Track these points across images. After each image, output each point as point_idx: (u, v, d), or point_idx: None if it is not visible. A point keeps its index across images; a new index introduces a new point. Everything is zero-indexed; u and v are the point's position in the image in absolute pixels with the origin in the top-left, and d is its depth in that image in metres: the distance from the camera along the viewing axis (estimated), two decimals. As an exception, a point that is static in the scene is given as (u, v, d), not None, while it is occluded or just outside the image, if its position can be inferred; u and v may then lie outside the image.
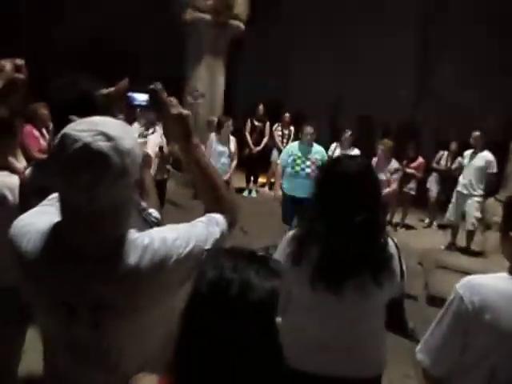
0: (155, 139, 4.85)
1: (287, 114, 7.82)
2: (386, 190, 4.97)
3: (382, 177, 4.99)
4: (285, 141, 7.48)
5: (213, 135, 5.23)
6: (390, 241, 1.64)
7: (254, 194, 7.52)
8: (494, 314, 1.35)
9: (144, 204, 1.50)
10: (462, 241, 6.21)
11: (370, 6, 8.80)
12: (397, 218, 7.08)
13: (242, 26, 7.25)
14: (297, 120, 7.91)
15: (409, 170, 6.70)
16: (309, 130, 5.02)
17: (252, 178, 7.65)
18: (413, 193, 6.91)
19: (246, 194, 7.56)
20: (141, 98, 1.38)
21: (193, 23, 6.95)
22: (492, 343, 1.37)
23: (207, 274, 0.80)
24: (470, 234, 6.05)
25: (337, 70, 9.21)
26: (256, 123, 7.54)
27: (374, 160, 5.16)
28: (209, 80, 7.28)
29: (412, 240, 6.53)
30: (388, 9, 8.84)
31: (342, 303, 1.55)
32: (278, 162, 5.17)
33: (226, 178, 5.29)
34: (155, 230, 1.16)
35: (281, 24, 9.51)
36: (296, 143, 5.16)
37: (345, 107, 9.32)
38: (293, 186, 5.04)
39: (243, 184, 7.67)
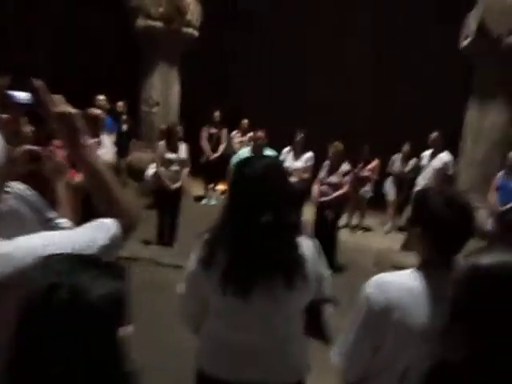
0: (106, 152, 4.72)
1: (245, 121, 7.80)
2: (338, 192, 4.99)
3: (334, 179, 5.01)
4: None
5: (162, 143, 5.14)
6: (308, 242, 1.59)
7: (213, 202, 7.43)
8: (402, 313, 1.32)
9: (53, 214, 1.41)
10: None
11: None
12: (355, 221, 7.16)
13: (195, 32, 7.20)
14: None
15: (364, 173, 6.79)
16: (259, 134, 5.00)
17: (212, 186, 7.57)
18: (368, 195, 6.99)
19: (205, 201, 7.46)
20: (22, 96, 1.30)
21: (145, 31, 6.85)
22: (401, 342, 1.34)
23: (37, 280, 0.73)
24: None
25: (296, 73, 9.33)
26: (212, 130, 7.48)
27: (327, 163, 5.18)
28: (163, 88, 7.18)
29: (370, 242, 6.62)
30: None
31: (251, 308, 1.49)
32: (231, 167, 5.11)
33: (177, 185, 5.20)
34: (24, 237, 1.07)
35: (236, 29, 9.56)
36: (247, 149, 5.13)
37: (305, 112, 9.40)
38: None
39: (202, 192, 7.59)
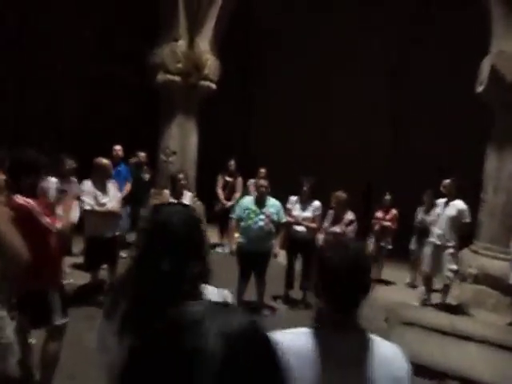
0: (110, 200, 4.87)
1: (263, 170, 7.84)
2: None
3: (337, 229, 4.87)
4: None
5: (166, 191, 5.23)
6: (217, 292, 1.52)
7: (227, 250, 7.37)
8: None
9: None
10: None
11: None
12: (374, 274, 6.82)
13: (212, 85, 7.48)
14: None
15: (385, 223, 6.56)
16: (262, 182, 5.00)
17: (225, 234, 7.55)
18: (389, 247, 6.71)
19: (219, 249, 7.42)
20: None
21: (164, 85, 7.20)
22: None
23: None
24: (446, 288, 5.76)
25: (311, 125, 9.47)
26: (228, 178, 7.56)
27: (331, 212, 5.06)
28: (180, 138, 7.42)
29: (388, 296, 6.26)
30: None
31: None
32: (233, 216, 5.10)
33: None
34: None
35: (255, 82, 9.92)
36: (250, 197, 5.12)
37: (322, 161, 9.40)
38: (247, 240, 4.94)
39: (217, 240, 7.58)
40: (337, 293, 1.25)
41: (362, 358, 1.22)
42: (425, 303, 5.85)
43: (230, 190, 7.45)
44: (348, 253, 1.26)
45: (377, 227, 6.57)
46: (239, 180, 7.53)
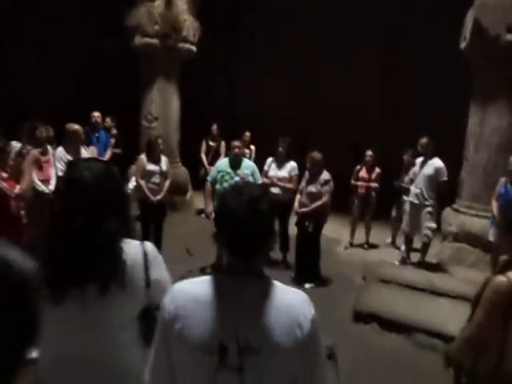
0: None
1: (247, 134, 7.77)
2: (317, 203, 4.82)
3: (313, 189, 4.85)
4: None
5: (143, 155, 5.20)
6: (137, 247, 1.52)
7: (213, 215, 7.41)
8: (184, 323, 1.21)
9: None
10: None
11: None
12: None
13: (192, 48, 7.30)
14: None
15: (372, 184, 6.50)
16: (235, 143, 4.96)
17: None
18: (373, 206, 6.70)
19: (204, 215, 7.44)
20: None
21: (142, 48, 7.03)
22: (183, 360, 1.22)
23: None
24: (425, 246, 5.80)
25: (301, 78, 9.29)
26: (211, 143, 7.51)
27: (307, 172, 5.03)
28: (162, 103, 7.31)
29: (367, 255, 6.30)
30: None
31: (66, 314, 1.43)
32: (208, 178, 5.08)
33: (159, 197, 5.21)
34: None
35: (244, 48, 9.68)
36: (226, 159, 5.08)
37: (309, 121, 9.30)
38: (222, 203, 4.93)
39: (202, 205, 7.58)
40: (233, 237, 1.24)
41: (261, 304, 1.22)
42: (404, 262, 5.91)
43: (213, 154, 7.40)
44: (243, 197, 1.24)
45: (361, 189, 6.51)
46: (222, 144, 7.46)
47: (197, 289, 1.25)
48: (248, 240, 1.22)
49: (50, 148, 5.48)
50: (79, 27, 8.57)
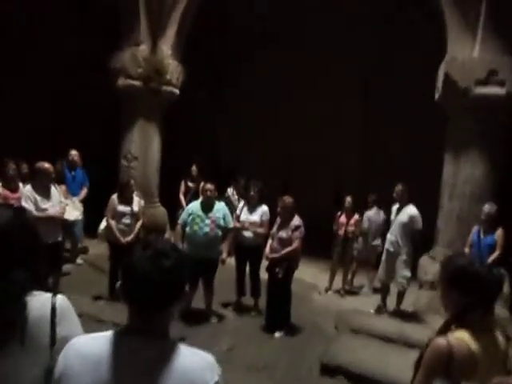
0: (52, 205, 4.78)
1: (194, 168, 7.72)
2: (287, 249, 4.75)
3: (284, 235, 4.79)
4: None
5: (114, 196, 5.15)
6: (46, 302, 1.43)
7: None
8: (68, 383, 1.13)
9: None
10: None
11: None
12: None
13: (175, 91, 7.43)
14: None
15: (350, 229, 6.47)
16: (208, 186, 4.93)
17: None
18: (355, 253, 6.64)
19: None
20: None
21: (125, 89, 7.13)
22: None
23: None
24: (400, 295, 5.70)
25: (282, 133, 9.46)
26: (190, 184, 7.50)
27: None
28: (142, 143, 7.33)
29: (342, 303, 6.15)
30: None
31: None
32: (179, 221, 5.02)
33: (129, 238, 5.11)
34: None
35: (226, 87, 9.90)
36: (198, 202, 5.04)
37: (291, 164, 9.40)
38: (191, 246, 4.85)
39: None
40: (132, 293, 1.18)
41: (158, 367, 1.14)
42: (380, 310, 5.78)
43: (192, 195, 7.36)
44: (146, 251, 1.18)
45: (341, 234, 6.49)
46: (201, 185, 7.43)
47: (90, 346, 1.17)
48: (147, 297, 1.16)
49: (21, 186, 5.42)
50: (59, 64, 8.70)
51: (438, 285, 1.81)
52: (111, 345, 1.16)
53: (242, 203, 5.47)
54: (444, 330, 1.69)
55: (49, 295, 1.46)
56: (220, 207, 4.94)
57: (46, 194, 4.77)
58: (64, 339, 1.42)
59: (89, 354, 1.15)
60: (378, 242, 6.52)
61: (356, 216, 6.55)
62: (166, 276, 1.16)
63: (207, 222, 4.81)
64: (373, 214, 6.62)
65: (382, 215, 6.57)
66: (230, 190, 7.57)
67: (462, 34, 5.65)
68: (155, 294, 1.16)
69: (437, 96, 6.03)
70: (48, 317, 1.40)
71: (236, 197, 7.45)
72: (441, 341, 1.61)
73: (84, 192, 6.44)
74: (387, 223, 6.18)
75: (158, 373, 1.13)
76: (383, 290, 5.90)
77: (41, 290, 1.48)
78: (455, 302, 1.70)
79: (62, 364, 1.16)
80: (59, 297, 1.48)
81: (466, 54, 5.59)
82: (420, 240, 5.68)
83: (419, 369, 1.73)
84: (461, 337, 1.60)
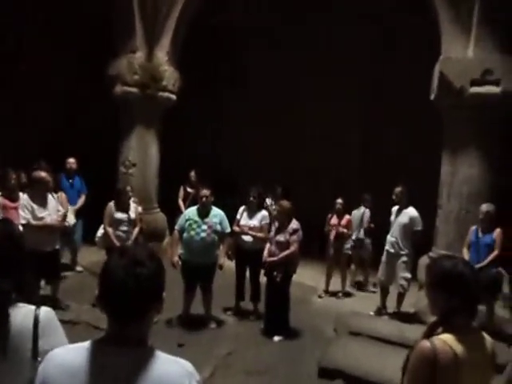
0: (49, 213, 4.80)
1: (192, 173, 7.71)
2: (285, 253, 4.74)
3: (281, 238, 4.79)
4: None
5: (111, 203, 5.16)
6: (29, 314, 1.44)
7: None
8: None
9: None
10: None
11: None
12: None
13: (172, 96, 7.45)
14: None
15: (341, 229, 6.46)
16: (204, 192, 4.94)
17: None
18: (349, 252, 6.62)
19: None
20: None
21: (122, 97, 7.17)
22: None
23: None
24: (400, 297, 5.68)
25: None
26: (189, 190, 7.51)
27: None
28: (140, 150, 7.36)
29: (343, 305, 6.13)
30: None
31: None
32: (176, 227, 5.02)
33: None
34: None
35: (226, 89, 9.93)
36: (195, 208, 5.05)
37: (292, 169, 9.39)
38: (189, 252, 4.86)
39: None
40: (110, 304, 1.18)
41: (134, 376, 1.14)
42: (380, 312, 5.76)
43: (191, 201, 7.36)
44: (123, 259, 1.19)
45: (332, 235, 6.48)
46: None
47: (69, 357, 1.18)
48: (123, 305, 1.16)
49: (21, 195, 5.45)
50: (58, 74, 8.74)
51: (425, 288, 1.81)
52: (89, 355, 1.17)
53: (241, 208, 5.47)
54: (429, 333, 1.69)
55: (32, 307, 1.47)
56: (217, 213, 4.94)
57: (43, 203, 4.80)
58: (47, 352, 1.43)
59: (67, 364, 1.16)
60: (361, 235, 6.78)
61: (347, 216, 6.56)
62: (141, 284, 1.16)
63: (204, 227, 4.81)
64: (356, 211, 6.87)
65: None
66: (268, 200, 7.46)
67: (456, 33, 5.64)
68: (131, 302, 1.16)
69: (432, 96, 6.02)
70: (30, 329, 1.41)
71: (274, 207, 7.12)
72: (425, 344, 1.61)
73: (82, 199, 6.46)
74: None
75: (135, 381, 1.13)
76: (383, 292, 5.88)
77: (26, 302, 1.49)
78: (441, 305, 1.70)
79: (41, 375, 1.18)
80: (43, 309, 1.49)
81: (460, 54, 5.58)
82: (420, 241, 5.68)
83: (405, 372, 1.73)
84: (445, 340, 1.60)
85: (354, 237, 6.71)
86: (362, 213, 6.80)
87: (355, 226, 6.74)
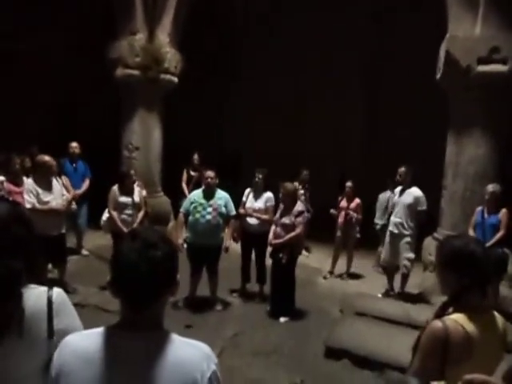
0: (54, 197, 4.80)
1: (195, 156, 7.66)
2: (290, 235, 4.75)
3: (287, 220, 4.79)
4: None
5: (115, 187, 5.15)
6: (42, 294, 1.44)
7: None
8: (67, 381, 1.13)
9: None
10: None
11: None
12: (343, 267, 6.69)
13: (174, 79, 7.37)
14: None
15: (351, 213, 6.44)
16: (209, 173, 4.92)
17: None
18: (358, 235, 6.61)
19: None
20: None
21: (124, 79, 7.09)
22: None
23: None
24: (404, 277, 5.70)
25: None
26: (192, 173, 7.49)
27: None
28: (143, 133, 7.32)
29: (348, 286, 6.17)
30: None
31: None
32: (181, 209, 5.02)
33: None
34: None
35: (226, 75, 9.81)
36: (200, 190, 5.04)
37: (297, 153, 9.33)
38: (194, 235, 4.87)
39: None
40: (123, 288, 1.18)
41: (151, 360, 1.14)
42: (388, 294, 5.79)
43: (194, 184, 7.35)
44: (135, 242, 1.18)
45: (341, 218, 6.48)
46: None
47: (84, 343, 1.18)
48: (136, 289, 1.16)
49: (25, 180, 5.45)
50: (58, 57, 8.64)
51: (436, 268, 1.80)
52: (103, 340, 1.16)
53: (247, 190, 5.46)
54: (441, 313, 1.68)
55: (44, 288, 1.47)
56: (221, 195, 4.93)
57: (48, 187, 4.80)
58: (62, 332, 1.43)
59: (82, 350, 1.16)
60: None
61: (357, 200, 6.53)
62: (154, 267, 1.16)
63: (209, 209, 4.81)
64: (383, 194, 6.90)
65: (388, 193, 6.68)
66: (295, 185, 7.32)
67: (463, 10, 5.52)
68: (144, 285, 1.15)
69: (438, 75, 5.93)
70: (45, 310, 1.41)
71: (302, 191, 7.07)
72: (437, 324, 1.61)
73: (86, 183, 6.45)
74: None
75: (152, 365, 1.13)
76: (389, 273, 5.90)
77: (37, 284, 1.49)
78: (452, 284, 1.69)
79: (57, 362, 1.18)
80: (55, 290, 1.49)
81: (467, 32, 5.47)
82: (425, 221, 5.67)
83: (417, 352, 1.73)
84: (457, 319, 1.59)
85: (380, 221, 6.69)
86: (387, 197, 6.58)
87: (381, 209, 6.72)
